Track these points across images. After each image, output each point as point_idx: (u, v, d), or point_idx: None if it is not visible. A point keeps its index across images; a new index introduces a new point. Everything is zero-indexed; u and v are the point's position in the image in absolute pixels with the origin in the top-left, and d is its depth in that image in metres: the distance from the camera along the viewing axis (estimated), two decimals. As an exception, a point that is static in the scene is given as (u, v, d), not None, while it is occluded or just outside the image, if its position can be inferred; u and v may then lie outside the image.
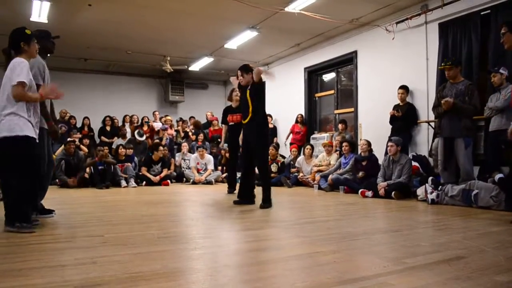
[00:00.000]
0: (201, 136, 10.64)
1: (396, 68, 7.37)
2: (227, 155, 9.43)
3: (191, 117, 11.84)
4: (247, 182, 5.17)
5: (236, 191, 5.47)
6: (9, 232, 3.20)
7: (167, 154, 9.40)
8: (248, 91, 5.01)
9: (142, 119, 11.03)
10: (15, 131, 3.22)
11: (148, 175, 8.61)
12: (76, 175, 7.92)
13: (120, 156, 8.63)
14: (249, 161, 5.13)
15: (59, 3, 6.72)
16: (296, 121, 9.81)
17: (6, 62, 3.43)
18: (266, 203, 4.84)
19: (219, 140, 10.63)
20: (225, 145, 10.20)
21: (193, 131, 11.24)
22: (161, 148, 8.99)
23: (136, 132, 10.07)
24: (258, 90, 5.03)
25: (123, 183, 8.15)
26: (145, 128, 10.62)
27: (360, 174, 6.73)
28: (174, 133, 11.00)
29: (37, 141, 3.43)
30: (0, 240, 2.99)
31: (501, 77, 5.14)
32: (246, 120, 5.04)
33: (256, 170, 5.27)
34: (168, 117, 11.20)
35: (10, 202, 3.30)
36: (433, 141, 6.21)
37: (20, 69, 3.24)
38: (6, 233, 3.19)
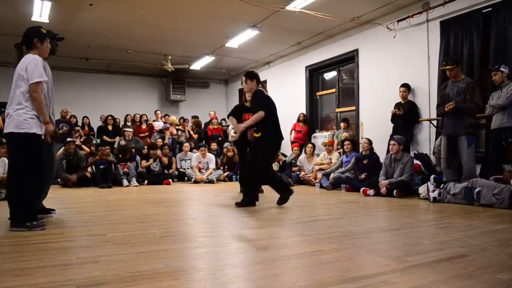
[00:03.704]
0: (195, 136, 10.73)
1: (398, 66, 7.35)
2: (229, 154, 9.48)
3: (193, 117, 11.83)
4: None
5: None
6: (18, 231, 3.19)
7: (168, 153, 9.41)
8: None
9: (141, 117, 11.03)
10: (24, 128, 3.25)
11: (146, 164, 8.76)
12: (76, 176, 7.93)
13: (125, 157, 8.64)
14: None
15: (60, 3, 6.72)
16: (298, 120, 9.78)
17: (18, 57, 3.47)
18: (245, 198, 4.76)
19: (219, 139, 10.66)
20: (227, 143, 10.26)
21: (194, 130, 11.28)
22: (158, 150, 9.03)
23: (118, 142, 9.95)
24: (255, 97, 4.76)
25: (125, 182, 8.16)
26: (144, 126, 10.63)
27: (363, 176, 6.69)
28: (179, 133, 10.99)
29: (43, 138, 3.46)
30: (3, 240, 3.00)
31: (502, 75, 5.14)
32: (258, 135, 4.79)
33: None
34: (173, 117, 11.21)
35: (17, 201, 3.29)
36: (436, 139, 6.19)
37: (38, 67, 3.28)
38: (9, 232, 3.20)
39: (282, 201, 4.86)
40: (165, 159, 9.11)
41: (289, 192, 4.97)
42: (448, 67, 5.29)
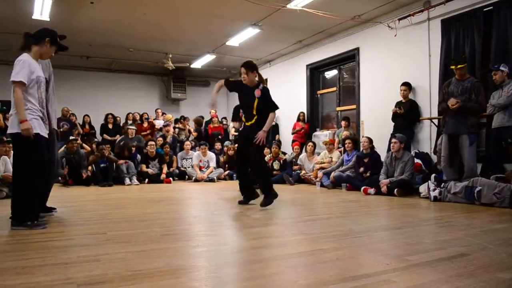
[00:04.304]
0: (195, 134, 10.73)
1: (399, 65, 7.34)
2: (230, 152, 9.48)
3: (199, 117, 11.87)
4: (245, 180, 4.96)
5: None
6: (19, 230, 3.20)
7: (169, 152, 9.42)
8: (256, 97, 4.64)
9: (142, 115, 11.05)
10: None
11: (147, 169, 8.72)
12: (78, 174, 7.93)
13: (123, 154, 8.63)
14: (244, 160, 4.88)
15: (61, 1, 6.71)
16: (298, 119, 9.79)
17: (21, 47, 3.46)
18: (266, 197, 4.54)
19: (219, 137, 10.67)
20: (227, 142, 10.27)
21: (195, 128, 11.30)
22: (152, 143, 9.05)
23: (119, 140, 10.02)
24: (266, 95, 4.68)
25: (127, 181, 8.16)
26: (145, 124, 10.64)
27: (361, 169, 6.69)
28: (177, 131, 11.01)
29: (47, 137, 3.48)
30: (4, 238, 3.01)
31: (502, 74, 5.13)
32: (250, 122, 4.72)
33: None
34: (168, 115, 11.22)
35: (19, 200, 3.31)
36: (437, 138, 6.19)
37: (22, 68, 3.27)
38: (10, 231, 3.20)
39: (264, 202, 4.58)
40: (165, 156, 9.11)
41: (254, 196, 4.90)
42: (459, 66, 5.26)
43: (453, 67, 5.38)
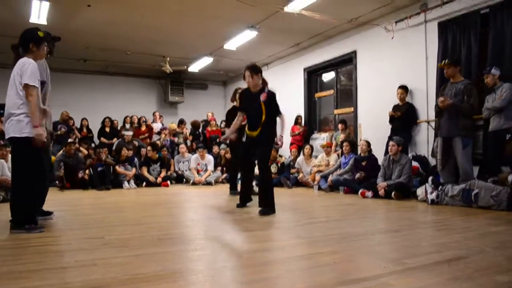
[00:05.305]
0: (190, 137, 10.76)
1: (396, 67, 7.36)
2: (227, 155, 9.47)
3: (203, 120, 11.90)
4: (248, 187, 4.98)
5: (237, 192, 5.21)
6: (17, 234, 3.20)
7: (166, 155, 9.40)
8: (261, 101, 4.48)
9: (140, 119, 11.05)
10: (25, 133, 3.27)
11: (147, 175, 8.67)
12: (74, 177, 7.90)
13: (121, 157, 8.61)
14: (250, 167, 4.85)
15: (59, 4, 6.71)
16: (296, 122, 9.80)
17: (15, 58, 3.47)
18: (266, 207, 4.39)
19: (217, 140, 10.67)
20: (223, 145, 10.24)
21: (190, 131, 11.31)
22: (150, 148, 9.04)
23: (124, 130, 10.12)
24: (273, 99, 4.54)
25: (126, 184, 8.14)
26: (143, 128, 10.63)
27: (358, 175, 6.69)
28: (175, 139, 10.99)
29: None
30: (1, 243, 3.00)
31: (493, 77, 5.16)
32: (256, 133, 4.52)
33: (256, 171, 5.06)
34: (173, 125, 11.21)
35: (18, 204, 3.32)
36: (434, 141, 6.20)
37: (34, 72, 3.29)
38: (6, 235, 3.19)
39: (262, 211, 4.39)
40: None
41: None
42: (445, 65, 5.28)
43: (440, 65, 5.43)
